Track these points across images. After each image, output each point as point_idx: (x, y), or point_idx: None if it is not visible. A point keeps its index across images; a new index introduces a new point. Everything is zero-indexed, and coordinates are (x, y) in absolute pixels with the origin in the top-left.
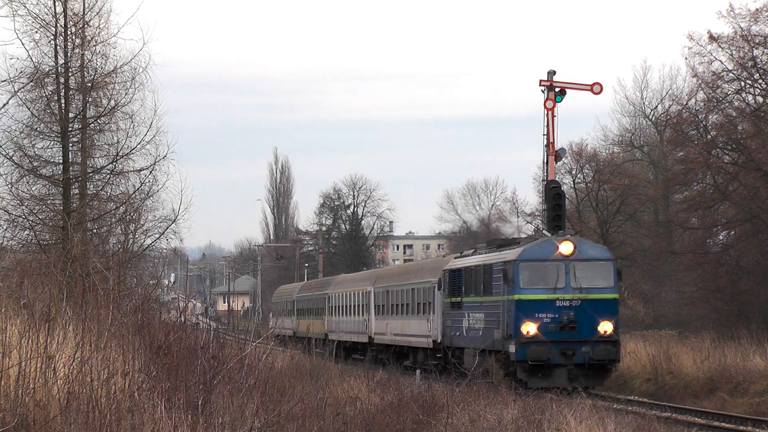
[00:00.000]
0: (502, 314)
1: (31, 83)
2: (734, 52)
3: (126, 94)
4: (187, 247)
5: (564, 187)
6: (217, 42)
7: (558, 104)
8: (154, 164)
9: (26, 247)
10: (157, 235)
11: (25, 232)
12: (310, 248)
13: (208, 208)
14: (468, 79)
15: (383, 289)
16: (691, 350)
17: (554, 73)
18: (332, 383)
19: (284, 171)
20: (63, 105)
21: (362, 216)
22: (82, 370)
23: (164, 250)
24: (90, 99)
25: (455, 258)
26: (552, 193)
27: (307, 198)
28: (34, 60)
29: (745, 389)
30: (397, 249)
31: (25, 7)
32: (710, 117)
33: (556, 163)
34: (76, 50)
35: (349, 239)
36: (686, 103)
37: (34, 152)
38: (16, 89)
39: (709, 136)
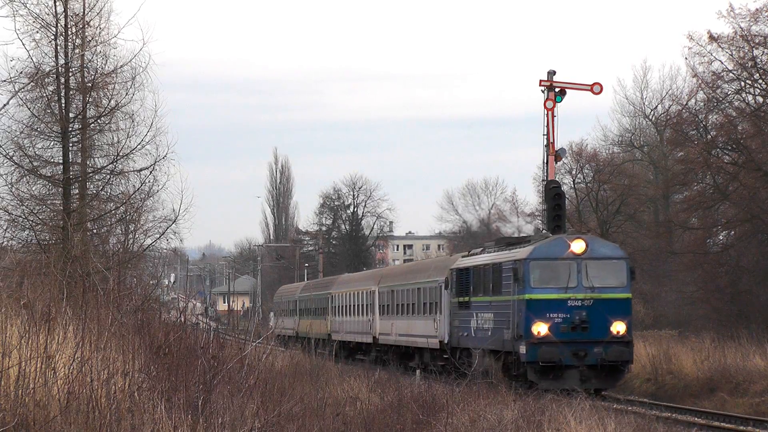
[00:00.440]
0: (512, 314)
1: (31, 83)
2: (734, 52)
3: (126, 94)
4: (187, 247)
5: (564, 187)
6: (217, 42)
7: (558, 104)
8: (154, 164)
9: (26, 247)
10: (157, 235)
11: (25, 232)
12: (310, 248)
13: (208, 208)
14: (468, 80)
15: (388, 288)
16: (691, 350)
17: (554, 73)
18: (332, 383)
19: (284, 171)
20: (63, 105)
21: (362, 216)
22: (82, 370)
23: (164, 250)
24: (90, 99)
25: (462, 257)
26: (552, 193)
27: (307, 198)
28: (34, 60)
29: (745, 389)
30: (397, 249)
31: (26, 7)
32: (710, 117)
33: (556, 163)
34: (77, 50)
35: (349, 239)
36: (686, 103)
37: (34, 152)
38: (16, 89)
39: (709, 136)
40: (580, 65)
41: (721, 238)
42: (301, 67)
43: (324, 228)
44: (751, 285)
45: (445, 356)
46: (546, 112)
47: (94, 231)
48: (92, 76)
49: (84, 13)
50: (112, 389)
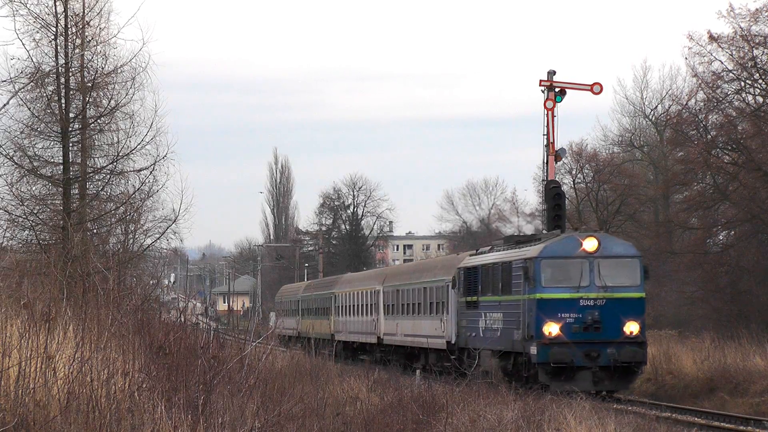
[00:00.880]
0: (522, 314)
1: (31, 83)
2: (734, 52)
3: (126, 94)
4: (187, 247)
5: (564, 187)
6: (217, 42)
7: (558, 104)
8: (154, 164)
9: (26, 247)
10: (157, 235)
11: (25, 232)
12: (310, 248)
13: (208, 208)
14: (468, 80)
15: (393, 288)
16: (691, 350)
17: (554, 73)
18: (332, 383)
19: (284, 171)
20: (63, 105)
21: (362, 216)
22: (82, 370)
23: (164, 250)
24: (90, 99)
25: (470, 255)
26: (552, 193)
27: (307, 198)
28: (34, 60)
29: (745, 389)
30: (397, 249)
31: (26, 7)
32: (710, 117)
33: (556, 163)
34: (77, 50)
35: (349, 239)
36: (686, 103)
37: (35, 152)
38: (16, 89)
39: (709, 136)
40: (580, 65)
41: (721, 238)
42: (301, 67)
43: (324, 228)
44: (751, 285)
45: (452, 357)
46: (546, 112)
47: (94, 231)
48: (92, 76)
49: (84, 13)
50: (112, 389)
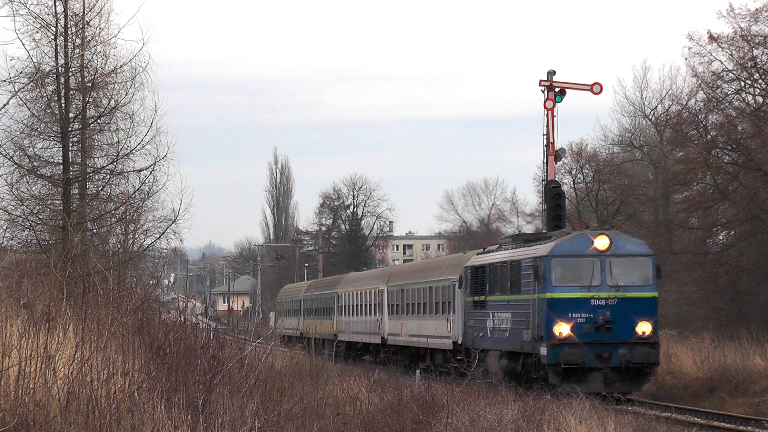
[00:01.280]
0: (531, 314)
1: (31, 83)
2: (734, 52)
3: (126, 94)
4: (187, 247)
5: (564, 187)
6: (217, 42)
7: (558, 104)
8: (154, 164)
9: (26, 247)
10: (157, 235)
11: (25, 232)
12: (310, 248)
13: (208, 208)
14: (468, 80)
15: (398, 287)
16: (691, 350)
17: (554, 73)
18: (332, 383)
19: (284, 171)
20: (63, 105)
21: (362, 216)
22: (82, 370)
23: (164, 250)
24: (90, 99)
25: (477, 254)
26: (552, 193)
27: (307, 198)
28: (34, 60)
29: (745, 389)
30: (397, 249)
31: (26, 7)
32: (710, 117)
33: (556, 163)
34: (77, 50)
35: (349, 239)
36: (686, 103)
37: (34, 152)
38: (16, 89)
39: (709, 136)
40: (580, 65)
41: (721, 238)
42: (301, 67)
43: (324, 228)
44: (751, 285)
45: (458, 357)
46: (546, 112)
47: (94, 231)
48: (92, 76)
49: (84, 13)
50: (112, 389)
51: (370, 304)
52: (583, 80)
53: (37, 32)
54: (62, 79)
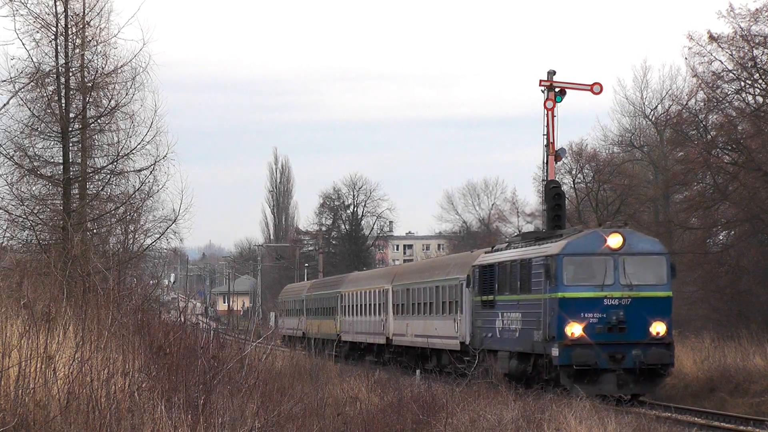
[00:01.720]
0: (542, 314)
1: (31, 83)
2: (734, 52)
3: (126, 94)
4: (187, 247)
5: (564, 187)
6: (217, 42)
7: (558, 104)
8: (154, 164)
9: (26, 247)
10: (157, 235)
11: (25, 232)
12: (310, 248)
13: (208, 208)
14: (468, 80)
15: (403, 287)
16: (691, 350)
17: (554, 73)
18: (332, 383)
19: (284, 171)
20: (63, 105)
21: (362, 216)
22: (82, 370)
23: (164, 250)
24: (90, 99)
25: (486, 253)
26: (552, 193)
27: (307, 198)
28: (34, 60)
29: (745, 389)
30: (397, 249)
31: (26, 6)
32: (710, 117)
33: (556, 163)
34: (77, 50)
35: (349, 239)
36: (686, 103)
37: (35, 152)
38: (16, 89)
39: (709, 136)
40: (580, 65)
41: (721, 238)
42: (301, 67)
43: (324, 228)
44: (751, 285)
45: (466, 358)
46: (546, 112)
47: (94, 231)
48: (92, 76)
49: (84, 13)
50: (112, 389)
51: (375, 304)
52: (583, 80)
53: (38, 32)
54: (62, 79)
